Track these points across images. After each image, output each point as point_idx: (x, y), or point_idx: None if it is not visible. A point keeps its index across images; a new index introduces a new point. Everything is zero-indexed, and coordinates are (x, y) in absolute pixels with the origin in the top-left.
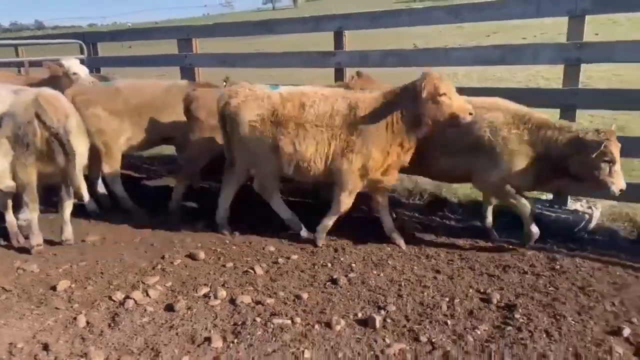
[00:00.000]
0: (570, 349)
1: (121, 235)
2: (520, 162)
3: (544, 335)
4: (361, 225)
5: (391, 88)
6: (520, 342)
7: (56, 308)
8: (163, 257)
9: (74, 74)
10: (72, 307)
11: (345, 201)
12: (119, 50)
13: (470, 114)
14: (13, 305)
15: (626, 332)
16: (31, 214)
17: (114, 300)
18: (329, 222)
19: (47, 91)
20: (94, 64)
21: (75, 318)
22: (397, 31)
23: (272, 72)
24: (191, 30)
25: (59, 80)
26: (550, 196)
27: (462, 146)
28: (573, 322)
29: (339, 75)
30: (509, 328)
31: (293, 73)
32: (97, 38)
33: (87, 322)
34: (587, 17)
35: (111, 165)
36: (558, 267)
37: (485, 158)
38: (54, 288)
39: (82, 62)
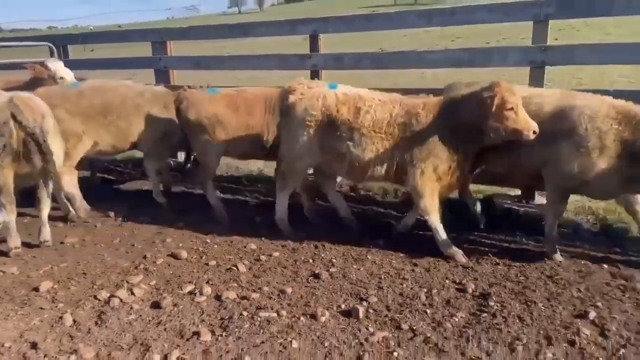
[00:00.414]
0: (542, 331)
1: (100, 237)
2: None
3: (517, 320)
4: (338, 223)
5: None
6: (495, 326)
7: (41, 308)
8: (145, 257)
9: (61, 77)
10: (56, 306)
11: (429, 205)
12: (81, 54)
13: (535, 132)
14: None
15: (592, 315)
16: (8, 216)
17: (98, 299)
18: (442, 233)
19: (23, 93)
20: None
21: (61, 317)
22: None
23: (246, 74)
24: (166, 33)
25: (42, 83)
26: (518, 192)
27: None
28: (543, 308)
29: (314, 78)
30: (484, 315)
31: (268, 75)
32: (68, 40)
33: (74, 321)
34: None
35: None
36: (528, 257)
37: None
38: (36, 289)
39: None
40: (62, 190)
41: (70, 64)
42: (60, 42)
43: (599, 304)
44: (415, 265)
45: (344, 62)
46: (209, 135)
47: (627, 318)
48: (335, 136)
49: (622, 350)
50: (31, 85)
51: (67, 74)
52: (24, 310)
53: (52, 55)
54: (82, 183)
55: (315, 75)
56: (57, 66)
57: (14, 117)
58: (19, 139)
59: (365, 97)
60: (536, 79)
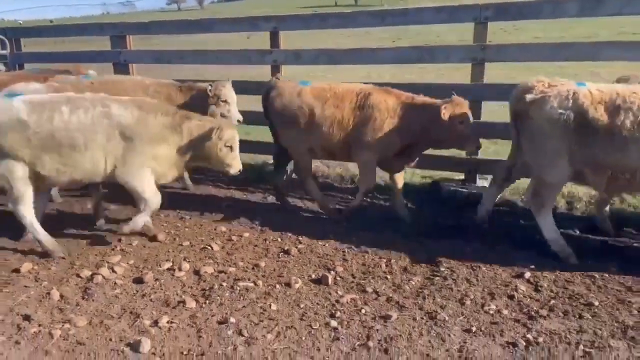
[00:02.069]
0: (486, 289)
1: (73, 221)
2: None
3: (465, 282)
4: (299, 208)
5: None
6: (447, 287)
7: (25, 286)
8: (120, 240)
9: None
10: (41, 285)
11: None
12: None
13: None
14: None
15: (527, 275)
16: None
17: (81, 277)
18: None
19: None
20: (17, 60)
21: (48, 293)
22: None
23: (206, 70)
24: (125, 27)
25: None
26: (462, 176)
27: None
28: (486, 271)
29: (275, 73)
30: (437, 278)
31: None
32: (20, 33)
33: (61, 296)
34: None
35: None
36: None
37: None
38: (16, 270)
39: (4, 57)
40: None
41: (26, 57)
42: (12, 35)
43: (532, 266)
44: (375, 241)
45: (303, 58)
46: (296, 128)
47: (556, 276)
48: (592, 141)
49: (552, 301)
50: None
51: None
52: (8, 289)
53: (3, 47)
54: None
55: (275, 70)
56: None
57: None
58: None
59: (624, 93)
60: (477, 75)
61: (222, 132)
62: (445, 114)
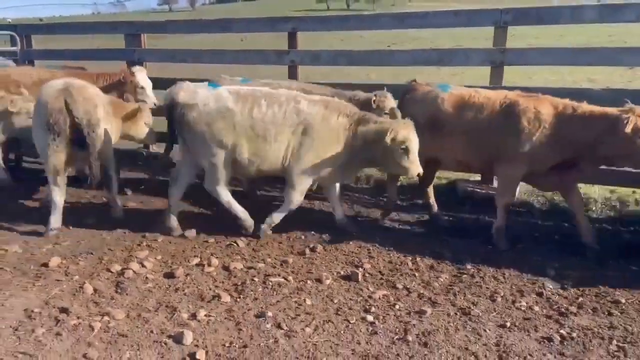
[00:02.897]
0: (514, 287)
1: (94, 218)
2: None
3: (493, 279)
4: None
5: None
6: (476, 284)
7: (57, 280)
8: (144, 236)
9: (141, 87)
10: (72, 279)
11: None
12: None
13: None
14: (11, 279)
15: (552, 273)
16: (58, 197)
17: (112, 272)
18: None
19: (78, 81)
20: (27, 57)
21: (81, 287)
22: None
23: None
24: (141, 26)
25: (123, 87)
26: (478, 177)
27: None
28: (512, 269)
29: (292, 73)
30: (465, 276)
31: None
32: (31, 30)
33: (95, 290)
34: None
35: None
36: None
37: None
38: (45, 265)
39: (13, 54)
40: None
41: (38, 54)
42: (23, 32)
43: (556, 264)
44: (398, 239)
45: (321, 59)
46: (424, 136)
47: (581, 274)
48: None
49: (580, 299)
50: (115, 86)
51: (148, 85)
52: (40, 282)
53: (14, 44)
54: None
55: (292, 70)
56: (141, 75)
57: (67, 105)
58: (72, 126)
59: None
60: (496, 78)
61: (396, 135)
62: (628, 127)
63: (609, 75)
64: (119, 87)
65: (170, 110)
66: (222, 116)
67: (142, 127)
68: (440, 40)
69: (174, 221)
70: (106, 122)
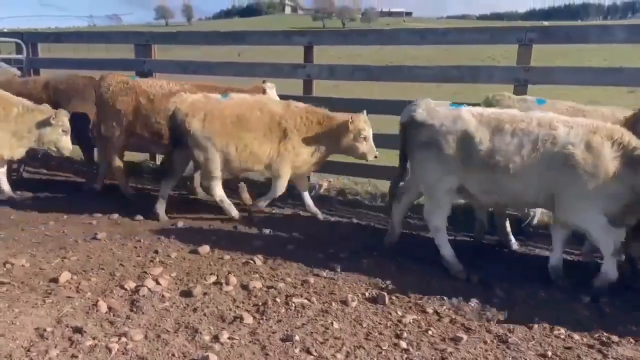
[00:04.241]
0: (549, 312)
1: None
2: None
3: (524, 304)
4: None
5: None
6: (508, 309)
7: (68, 297)
8: (156, 252)
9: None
10: (84, 296)
11: None
12: None
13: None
14: (19, 296)
15: (586, 299)
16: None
17: (125, 289)
18: None
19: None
20: (33, 65)
21: (95, 304)
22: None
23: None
24: (151, 36)
25: None
26: None
27: None
28: (543, 294)
29: (307, 87)
30: (495, 300)
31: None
32: (38, 38)
33: (109, 308)
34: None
35: None
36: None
37: None
38: (54, 280)
39: (19, 61)
40: None
41: (44, 63)
42: (29, 40)
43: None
44: (420, 258)
45: (337, 73)
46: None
47: (621, 300)
48: None
49: (620, 327)
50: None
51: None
52: (50, 299)
53: (19, 52)
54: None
55: (308, 84)
56: (272, 92)
57: None
58: None
59: None
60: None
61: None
62: None
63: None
64: None
65: (405, 128)
66: (459, 140)
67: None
68: (438, 60)
69: None
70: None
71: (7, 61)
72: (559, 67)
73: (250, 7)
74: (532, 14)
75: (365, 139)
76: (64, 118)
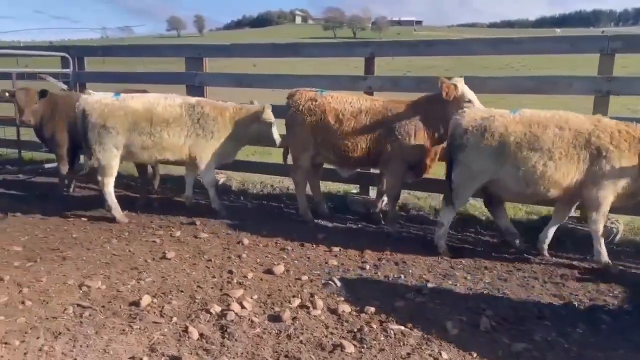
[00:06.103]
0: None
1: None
2: None
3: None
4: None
5: None
6: (624, 339)
7: (155, 322)
8: (231, 272)
9: (468, 101)
10: (171, 321)
11: None
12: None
13: None
14: (104, 321)
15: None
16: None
17: (211, 313)
18: None
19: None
20: (79, 79)
21: (185, 331)
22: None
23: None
24: (204, 49)
25: (447, 104)
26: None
27: None
28: None
29: None
30: (603, 326)
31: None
32: (85, 52)
33: (201, 334)
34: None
35: None
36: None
37: None
38: (135, 304)
39: (66, 75)
40: None
41: (91, 77)
42: (75, 54)
43: None
44: (504, 280)
45: (401, 85)
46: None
47: None
48: None
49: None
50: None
51: (474, 97)
52: (137, 325)
53: (66, 66)
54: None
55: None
56: (464, 88)
57: None
58: None
59: None
60: (600, 107)
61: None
62: None
63: None
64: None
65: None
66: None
67: None
68: (455, 69)
69: None
70: None
71: (55, 75)
72: None
73: (261, 17)
74: (542, 22)
75: None
76: (270, 111)
